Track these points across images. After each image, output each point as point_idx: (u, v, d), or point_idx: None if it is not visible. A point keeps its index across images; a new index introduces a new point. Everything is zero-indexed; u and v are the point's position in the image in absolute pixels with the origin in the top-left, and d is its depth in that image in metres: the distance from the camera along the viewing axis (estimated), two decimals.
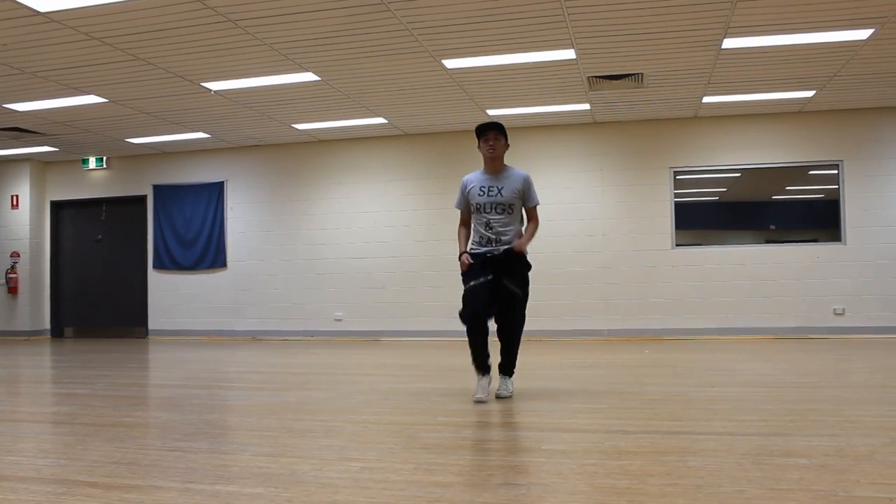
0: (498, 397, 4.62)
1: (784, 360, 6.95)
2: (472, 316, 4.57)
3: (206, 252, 11.02)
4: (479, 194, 4.69)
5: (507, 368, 4.73)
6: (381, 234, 10.40)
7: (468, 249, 4.76)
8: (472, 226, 4.81)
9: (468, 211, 4.81)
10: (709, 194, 10.22)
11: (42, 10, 5.47)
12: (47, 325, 11.80)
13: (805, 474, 2.71)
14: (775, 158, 9.38)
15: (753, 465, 2.88)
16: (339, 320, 10.46)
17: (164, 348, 9.50)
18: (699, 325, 9.36)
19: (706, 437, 3.46)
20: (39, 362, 8.14)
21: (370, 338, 10.22)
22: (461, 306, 4.63)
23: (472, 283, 4.62)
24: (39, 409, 4.78)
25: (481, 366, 4.67)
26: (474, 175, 4.82)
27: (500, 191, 4.66)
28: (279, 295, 10.74)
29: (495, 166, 4.74)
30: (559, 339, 9.41)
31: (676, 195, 9.60)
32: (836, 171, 9.24)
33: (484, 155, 4.73)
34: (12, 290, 11.49)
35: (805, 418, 3.90)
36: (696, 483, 2.63)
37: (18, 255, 11.53)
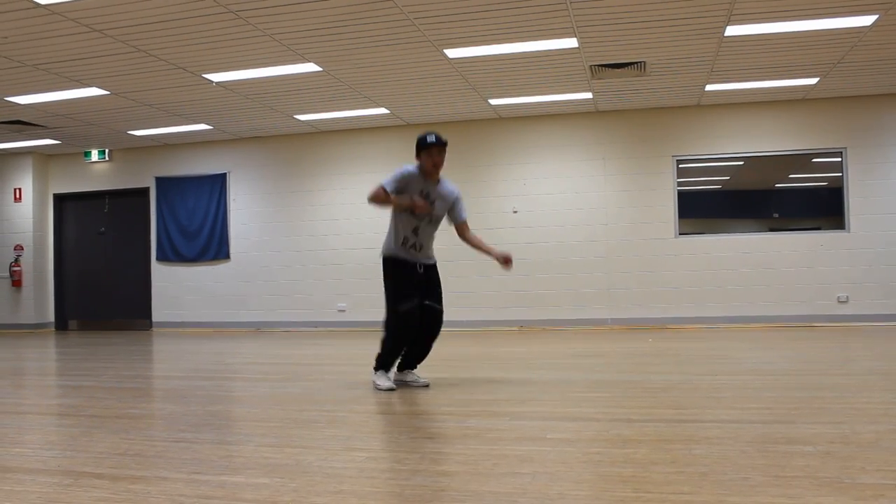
0: (424, 386, 4.74)
1: (788, 347, 6.95)
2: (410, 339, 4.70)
3: (210, 244, 11.03)
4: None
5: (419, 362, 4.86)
6: (384, 224, 10.30)
7: (395, 249, 4.78)
8: (396, 222, 4.75)
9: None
10: (712, 182, 10.20)
11: (43, 2, 5.46)
12: (51, 317, 11.83)
13: (810, 461, 2.71)
14: (778, 146, 9.35)
15: (758, 452, 2.88)
16: (343, 311, 10.47)
17: (168, 340, 9.52)
18: (702, 314, 9.36)
19: (711, 425, 3.46)
20: (44, 355, 8.17)
21: (374, 328, 10.21)
22: (403, 305, 4.65)
23: (407, 307, 4.62)
24: (45, 401, 4.80)
25: (393, 364, 4.80)
26: (416, 173, 4.63)
27: (433, 204, 4.66)
28: (282, 286, 10.75)
29: (434, 177, 4.69)
30: (562, 329, 9.41)
31: (679, 184, 9.58)
32: (839, 159, 9.21)
33: (426, 167, 4.62)
34: (16, 283, 11.52)
35: (809, 406, 3.90)
36: (702, 471, 2.63)
37: (22, 248, 11.55)
